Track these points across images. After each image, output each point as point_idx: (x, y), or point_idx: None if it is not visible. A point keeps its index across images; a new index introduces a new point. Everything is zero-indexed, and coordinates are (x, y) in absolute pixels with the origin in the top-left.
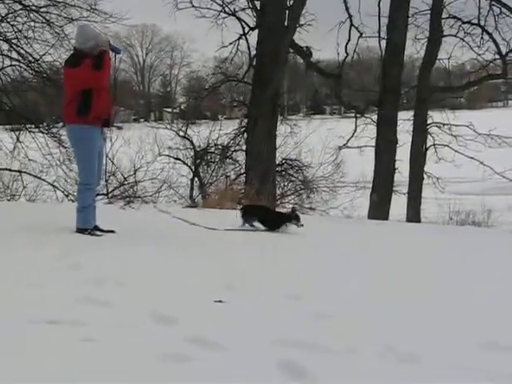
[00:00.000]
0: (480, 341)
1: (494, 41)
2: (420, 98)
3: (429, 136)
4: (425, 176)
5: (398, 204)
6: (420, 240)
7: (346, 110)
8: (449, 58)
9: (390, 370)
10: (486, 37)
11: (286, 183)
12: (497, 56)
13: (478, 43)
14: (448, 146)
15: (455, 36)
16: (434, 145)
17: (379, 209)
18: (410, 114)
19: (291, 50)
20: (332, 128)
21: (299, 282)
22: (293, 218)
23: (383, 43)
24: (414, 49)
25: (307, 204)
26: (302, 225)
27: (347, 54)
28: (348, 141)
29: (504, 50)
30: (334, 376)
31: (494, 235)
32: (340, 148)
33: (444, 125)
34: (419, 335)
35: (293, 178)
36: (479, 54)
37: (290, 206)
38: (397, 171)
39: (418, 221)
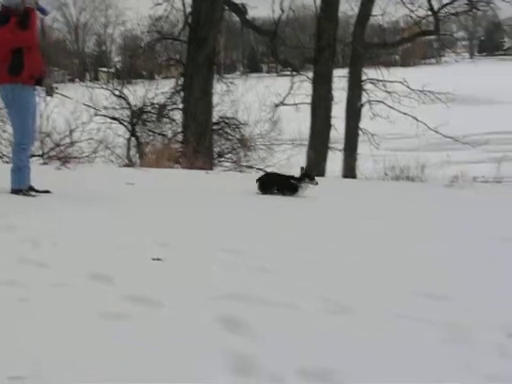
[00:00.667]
0: (415, 290)
1: None
2: (355, 54)
3: (364, 93)
4: (360, 132)
5: (334, 160)
6: (355, 194)
7: (282, 67)
8: (382, 15)
9: (327, 321)
10: None
11: (223, 142)
12: (429, 12)
13: None
14: (383, 102)
15: None
16: (369, 101)
17: (316, 166)
18: (345, 71)
19: (226, 8)
20: (268, 86)
21: (237, 238)
22: (305, 178)
23: (318, 0)
24: (348, 5)
25: (244, 162)
26: (317, 183)
27: (282, 11)
28: (284, 98)
29: (436, 6)
30: (273, 328)
31: (429, 189)
32: (276, 106)
33: (379, 81)
34: (355, 287)
35: (230, 137)
36: (412, 11)
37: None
38: (332, 128)
39: (354, 177)
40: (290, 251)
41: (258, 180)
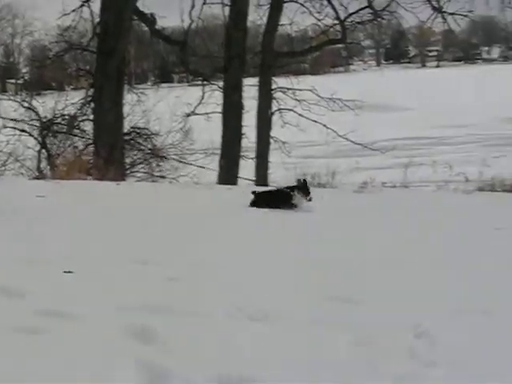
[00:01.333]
0: (328, 295)
1: (333, 6)
2: (264, 63)
3: (274, 101)
4: (271, 140)
5: (247, 169)
6: None
7: (193, 77)
8: (291, 24)
9: (240, 328)
10: (326, 2)
11: (135, 152)
12: (336, 21)
13: (318, 9)
14: (293, 110)
15: (296, 2)
16: (280, 109)
17: (228, 174)
18: (255, 80)
19: (135, 18)
20: (179, 96)
21: (146, 248)
22: (298, 192)
23: (227, 10)
24: (257, 15)
25: (157, 172)
26: (310, 199)
27: (192, 20)
28: (195, 108)
29: (342, 16)
30: (185, 337)
31: (339, 194)
32: (188, 115)
33: (288, 89)
34: (268, 294)
35: (142, 147)
36: (319, 20)
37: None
38: (244, 136)
39: (266, 184)
40: (203, 260)
41: (253, 199)
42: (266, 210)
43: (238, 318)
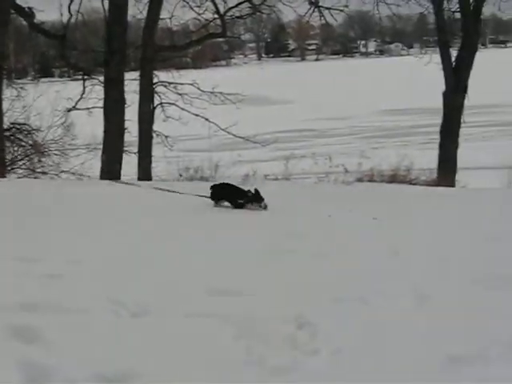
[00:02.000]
0: (210, 287)
1: (213, 0)
2: (145, 57)
3: (156, 95)
4: (154, 135)
5: (130, 164)
6: (149, 197)
7: (74, 72)
8: (171, 18)
9: (123, 324)
10: None
11: (15, 148)
12: (216, 15)
13: (198, 3)
14: (174, 104)
15: None
16: (161, 104)
17: (110, 169)
18: (137, 74)
19: (13, 11)
20: (59, 90)
21: (30, 245)
22: (255, 199)
23: (106, 4)
24: (137, 9)
25: (39, 168)
26: (266, 206)
27: (71, 14)
28: (77, 103)
29: (222, 10)
30: (66, 335)
31: None
32: (69, 110)
33: (170, 84)
34: (150, 288)
35: (22, 143)
36: (199, 14)
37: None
38: (126, 131)
39: (149, 179)
40: (83, 256)
41: (211, 188)
42: (146, 202)
43: (119, 313)
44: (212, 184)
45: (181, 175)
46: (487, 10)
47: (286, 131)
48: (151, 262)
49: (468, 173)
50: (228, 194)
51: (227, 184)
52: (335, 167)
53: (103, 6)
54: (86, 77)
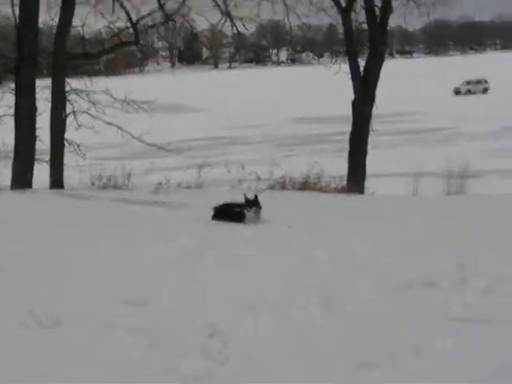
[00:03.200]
0: (120, 298)
1: (125, 9)
2: (57, 65)
3: (68, 103)
4: (66, 143)
5: (42, 172)
6: (64, 206)
7: None
8: (83, 26)
9: (35, 335)
10: (118, 5)
11: None
12: (129, 24)
13: (110, 11)
14: (87, 112)
15: (87, 4)
16: (74, 112)
17: (21, 178)
18: (49, 82)
19: None
20: None
21: None
22: (248, 206)
23: (17, 10)
24: (49, 16)
25: None
26: (259, 211)
27: None
28: None
29: (135, 18)
30: None
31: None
32: None
33: (82, 91)
34: (62, 300)
35: None
36: (112, 22)
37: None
38: (38, 139)
39: (61, 187)
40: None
41: (213, 209)
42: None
43: (32, 324)
44: (214, 206)
45: (93, 183)
46: (393, 22)
47: (200, 139)
48: (68, 271)
49: (376, 180)
50: (227, 210)
51: (227, 204)
52: (248, 175)
53: (13, 11)
54: None
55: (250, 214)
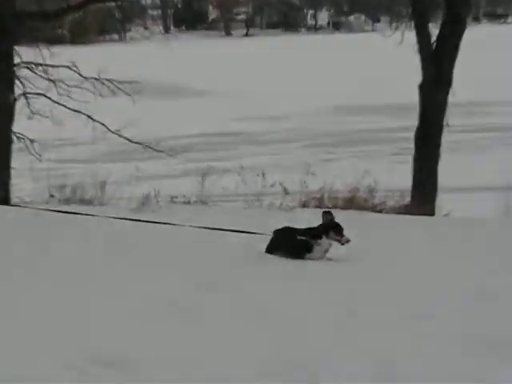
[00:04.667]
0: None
1: None
2: (3, 28)
3: (17, 82)
4: (14, 138)
5: None
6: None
7: None
8: None
9: None
10: None
11: None
12: None
13: None
14: (44, 95)
15: None
16: (25, 94)
17: None
18: None
19: None
20: None
21: None
22: (327, 231)
23: None
24: None
25: None
26: (348, 241)
27: None
28: None
29: None
30: None
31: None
32: None
33: (38, 65)
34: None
35: None
36: None
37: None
38: None
39: (7, 200)
40: None
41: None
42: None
43: None
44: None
45: (52, 196)
46: None
47: (203, 135)
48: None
49: (454, 196)
50: (283, 243)
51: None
52: (270, 187)
53: None
54: None
55: (320, 245)
